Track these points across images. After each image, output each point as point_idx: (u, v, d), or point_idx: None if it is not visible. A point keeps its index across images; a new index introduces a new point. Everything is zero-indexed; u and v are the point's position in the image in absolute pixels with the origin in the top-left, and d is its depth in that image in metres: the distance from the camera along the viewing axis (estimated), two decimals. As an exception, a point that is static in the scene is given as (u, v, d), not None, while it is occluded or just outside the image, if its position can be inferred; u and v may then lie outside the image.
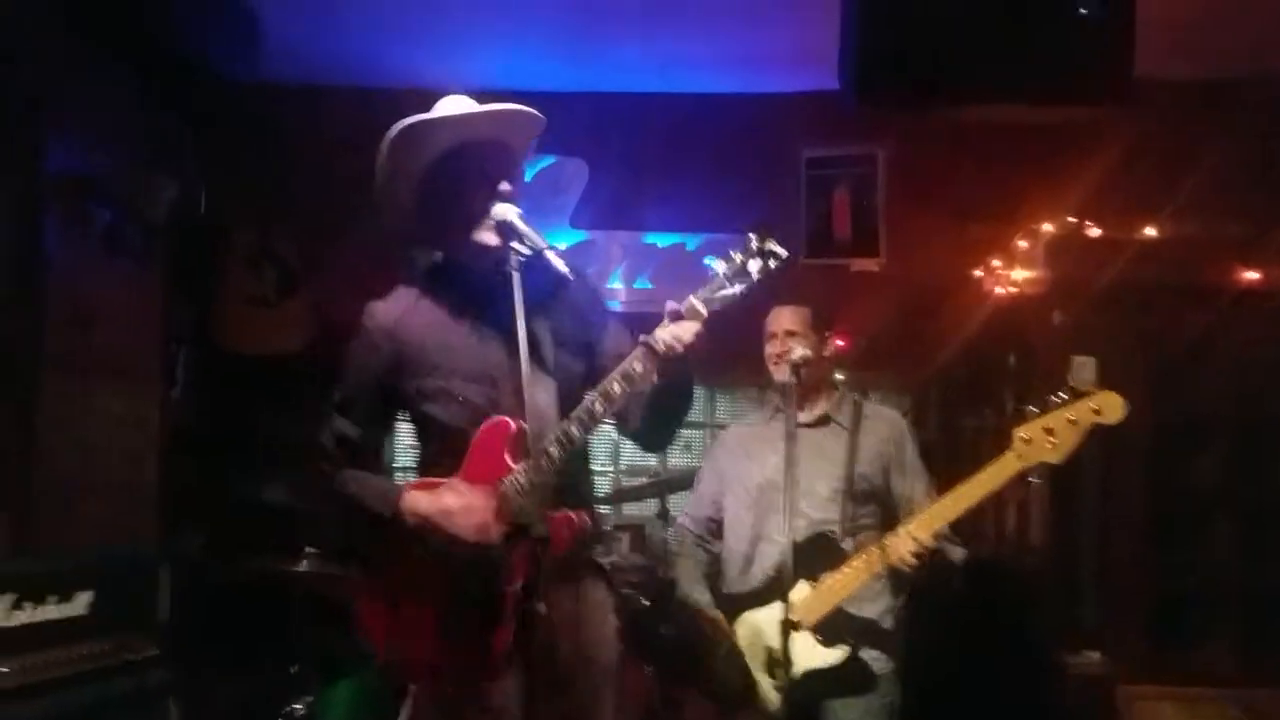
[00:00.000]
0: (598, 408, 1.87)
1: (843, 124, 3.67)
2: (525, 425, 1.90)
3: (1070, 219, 3.59)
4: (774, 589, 2.42)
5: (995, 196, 3.75)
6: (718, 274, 1.82)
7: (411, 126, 1.97)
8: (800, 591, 2.42)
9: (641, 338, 1.86)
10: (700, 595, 2.69)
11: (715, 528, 2.77)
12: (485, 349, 1.97)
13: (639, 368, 1.85)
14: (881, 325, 3.69)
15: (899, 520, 2.52)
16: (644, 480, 3.79)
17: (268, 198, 3.84)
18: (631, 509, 3.86)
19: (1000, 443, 3.82)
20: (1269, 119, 3.54)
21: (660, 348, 1.82)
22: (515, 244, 1.90)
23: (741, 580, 2.62)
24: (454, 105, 2.03)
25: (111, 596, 2.50)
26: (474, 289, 2.01)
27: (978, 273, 3.70)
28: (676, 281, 3.90)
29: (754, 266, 1.80)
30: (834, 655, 2.41)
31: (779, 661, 2.31)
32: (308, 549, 3.07)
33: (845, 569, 2.41)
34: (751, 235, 1.82)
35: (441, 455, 2.01)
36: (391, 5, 3.30)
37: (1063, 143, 3.57)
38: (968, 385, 3.89)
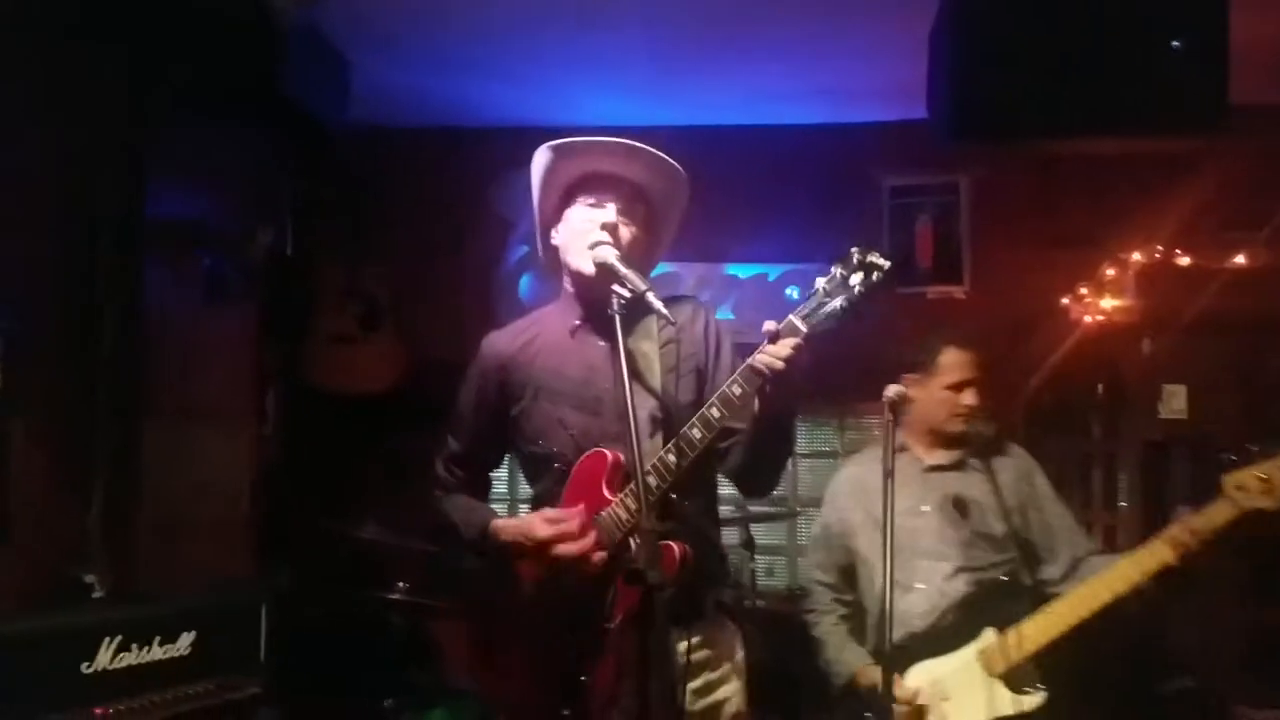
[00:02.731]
0: (695, 434, 1.83)
1: (925, 152, 3.65)
2: (621, 456, 1.90)
3: (1160, 247, 3.53)
4: (947, 637, 2.37)
5: (1082, 224, 3.72)
6: (817, 290, 1.77)
7: (539, 151, 2.02)
8: (988, 639, 2.36)
9: (747, 361, 1.80)
10: (854, 655, 2.57)
11: (849, 576, 2.65)
12: (594, 377, 1.98)
13: (738, 390, 1.81)
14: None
15: (1041, 559, 2.46)
16: (730, 510, 3.79)
17: (356, 235, 3.88)
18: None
19: (1086, 473, 3.79)
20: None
21: (761, 368, 1.77)
22: (616, 286, 1.88)
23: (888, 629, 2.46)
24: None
25: (214, 636, 2.53)
26: (587, 319, 2.03)
27: (1065, 301, 3.65)
28: (758, 312, 3.92)
29: (855, 279, 1.74)
30: (1031, 701, 2.32)
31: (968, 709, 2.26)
32: (399, 584, 3.10)
33: (1049, 611, 2.33)
34: (853, 249, 1.76)
35: (547, 487, 2.02)
36: (478, 46, 3.34)
37: (1155, 168, 3.53)
38: (1054, 414, 3.83)
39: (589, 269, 1.94)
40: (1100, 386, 3.69)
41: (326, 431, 3.80)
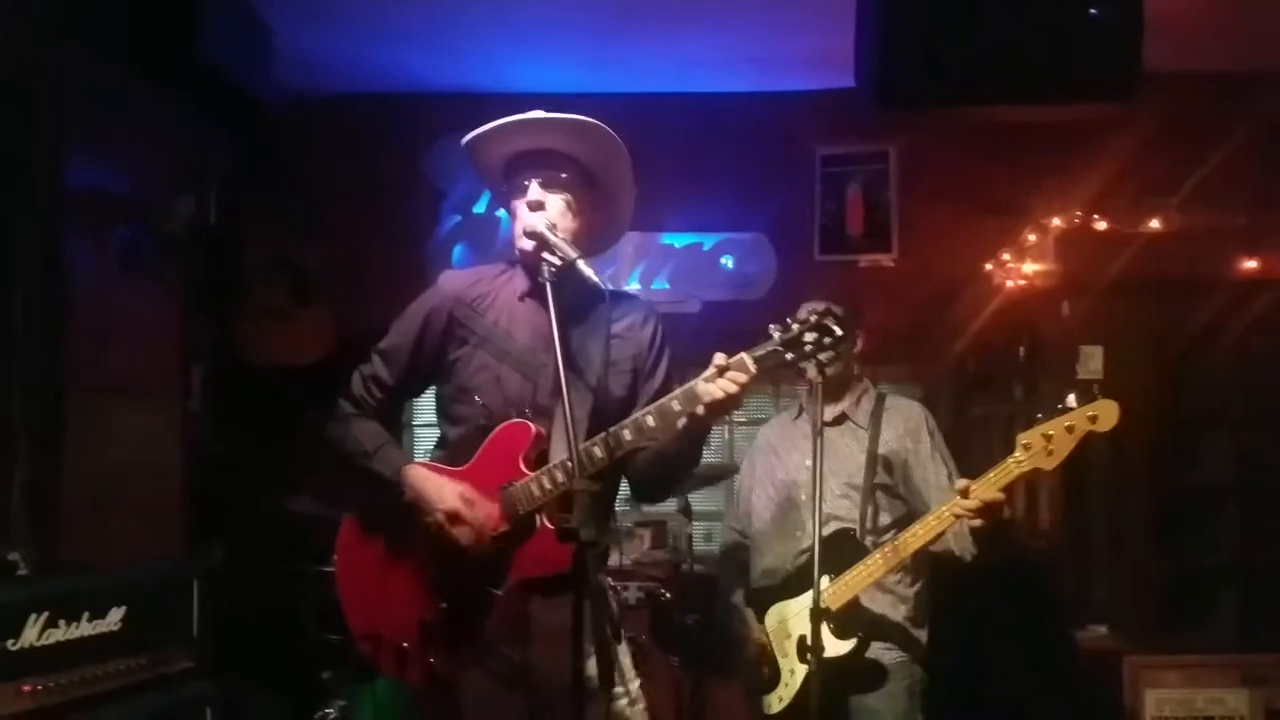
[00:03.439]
0: (626, 436, 1.91)
1: (856, 121, 3.73)
2: (545, 432, 1.96)
3: (1078, 213, 3.64)
4: (800, 582, 2.51)
5: (1006, 190, 3.81)
6: (773, 338, 1.86)
7: (470, 139, 2.05)
8: (824, 584, 2.48)
9: (692, 383, 1.88)
10: (737, 597, 2.77)
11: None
12: (539, 346, 2.01)
13: (676, 407, 1.88)
14: (894, 319, 3.75)
15: (917, 513, 2.58)
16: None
17: (286, 206, 3.82)
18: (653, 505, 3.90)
19: (1009, 432, 3.90)
20: (1275, 112, 3.61)
21: (706, 396, 1.85)
22: (546, 255, 1.93)
23: (767, 575, 2.70)
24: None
25: (145, 611, 2.49)
26: (534, 288, 2.05)
27: (988, 266, 3.75)
28: (693, 281, 3.99)
29: (809, 339, 1.85)
30: (845, 646, 2.49)
31: (807, 647, 2.38)
32: (336, 556, 3.08)
33: (864, 564, 2.47)
34: (811, 309, 1.88)
35: (464, 436, 2.05)
36: (406, 13, 3.30)
37: (1073, 137, 3.63)
38: (979, 376, 3.95)
39: (527, 246, 1.99)
40: (1022, 349, 3.81)
41: (257, 406, 3.73)
